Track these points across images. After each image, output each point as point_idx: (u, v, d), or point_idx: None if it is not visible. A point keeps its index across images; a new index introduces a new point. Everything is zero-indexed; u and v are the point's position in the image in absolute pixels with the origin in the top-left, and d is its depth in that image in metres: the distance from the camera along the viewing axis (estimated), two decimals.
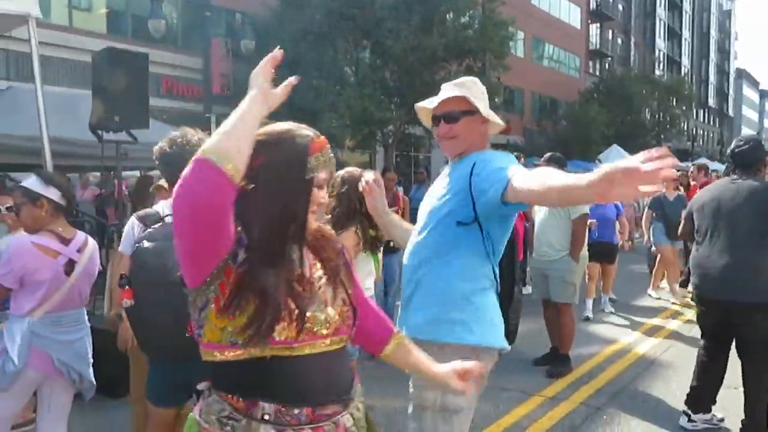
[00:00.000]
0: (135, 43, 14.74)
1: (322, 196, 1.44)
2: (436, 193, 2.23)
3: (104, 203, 10.67)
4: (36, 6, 4.52)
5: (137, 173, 9.61)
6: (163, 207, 2.66)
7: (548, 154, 5.55)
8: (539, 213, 5.28)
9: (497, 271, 2.19)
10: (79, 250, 2.87)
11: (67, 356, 2.83)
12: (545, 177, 1.74)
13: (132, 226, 2.69)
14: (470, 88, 2.22)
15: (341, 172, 3.37)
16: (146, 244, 2.43)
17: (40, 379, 2.82)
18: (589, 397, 4.58)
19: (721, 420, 3.95)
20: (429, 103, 2.23)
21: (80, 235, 2.93)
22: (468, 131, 2.18)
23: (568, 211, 5.02)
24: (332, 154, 1.52)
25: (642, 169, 1.25)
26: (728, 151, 3.95)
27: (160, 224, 2.52)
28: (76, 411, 3.12)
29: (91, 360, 3.02)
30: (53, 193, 2.78)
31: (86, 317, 3.04)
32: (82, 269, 2.87)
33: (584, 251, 5.29)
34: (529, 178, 1.81)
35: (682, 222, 4.07)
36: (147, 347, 2.64)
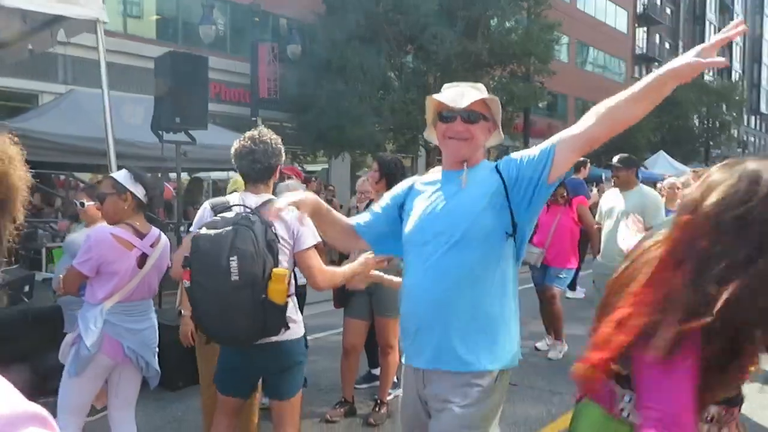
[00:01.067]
0: (185, 48, 15.18)
1: None
2: (448, 207, 1.99)
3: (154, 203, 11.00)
4: (103, 11, 4.72)
5: (186, 175, 9.90)
6: (236, 198, 2.75)
7: (620, 155, 5.16)
8: (609, 219, 5.07)
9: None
10: (152, 245, 3.00)
11: (135, 344, 2.94)
12: (590, 113, 1.79)
13: (204, 210, 2.77)
14: (486, 94, 2.09)
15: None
16: (204, 230, 2.47)
17: (111, 365, 2.94)
18: None
19: None
20: (452, 100, 2.00)
21: (154, 231, 3.06)
22: (481, 136, 2.06)
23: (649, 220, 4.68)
24: None
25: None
26: None
27: (226, 212, 2.57)
28: (137, 401, 3.20)
29: (157, 350, 3.13)
30: (139, 190, 2.91)
31: (153, 309, 3.16)
32: (154, 263, 3.00)
33: None
34: (573, 127, 1.84)
35: None
36: (201, 329, 2.75)
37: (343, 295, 4.13)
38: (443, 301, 1.92)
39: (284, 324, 2.51)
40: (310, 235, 2.63)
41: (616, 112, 1.71)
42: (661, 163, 22.39)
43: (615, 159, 5.09)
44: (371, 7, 16.41)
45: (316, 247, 2.70)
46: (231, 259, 2.32)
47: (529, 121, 22.08)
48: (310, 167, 21.23)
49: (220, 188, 15.52)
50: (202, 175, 11.24)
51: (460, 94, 2.01)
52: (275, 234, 2.50)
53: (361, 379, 4.75)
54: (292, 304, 2.64)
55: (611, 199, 5.10)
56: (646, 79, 1.66)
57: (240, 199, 2.69)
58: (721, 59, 1.61)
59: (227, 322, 2.42)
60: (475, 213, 1.91)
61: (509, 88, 17.90)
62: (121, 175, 2.94)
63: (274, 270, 2.39)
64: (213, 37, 13.59)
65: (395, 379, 4.30)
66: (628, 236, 2.01)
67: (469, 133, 2.01)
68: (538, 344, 5.97)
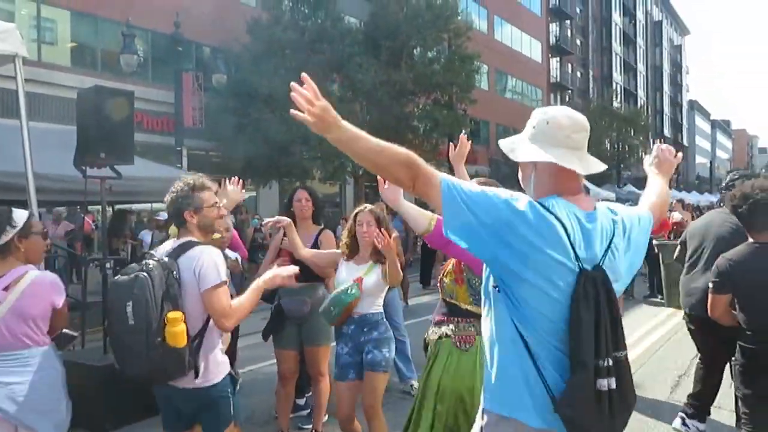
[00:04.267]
0: (104, 77, 14.75)
1: None
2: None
3: (75, 237, 10.55)
4: (23, 46, 4.62)
5: (107, 208, 9.59)
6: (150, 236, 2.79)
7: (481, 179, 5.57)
8: None
9: None
10: (6, 288, 2.71)
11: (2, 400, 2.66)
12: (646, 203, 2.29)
13: None
14: (527, 126, 1.94)
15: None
16: (118, 277, 2.66)
17: None
18: None
19: None
20: (580, 167, 1.82)
21: (14, 272, 2.76)
22: (520, 174, 2.03)
23: None
24: None
25: None
26: (723, 183, 4.56)
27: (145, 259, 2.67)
28: None
29: (50, 406, 2.83)
30: None
31: (41, 358, 2.79)
32: (10, 307, 2.68)
33: None
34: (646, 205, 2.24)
35: (678, 246, 4.59)
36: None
37: (271, 327, 4.16)
38: None
39: (186, 367, 2.54)
40: (213, 274, 2.61)
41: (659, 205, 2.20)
42: None
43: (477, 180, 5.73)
44: (297, 37, 16.60)
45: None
46: (127, 304, 2.49)
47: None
48: None
49: (142, 220, 15.08)
50: (125, 206, 10.91)
51: (587, 165, 1.85)
52: (176, 278, 2.57)
53: None
54: (214, 346, 2.69)
55: None
56: (655, 188, 2.28)
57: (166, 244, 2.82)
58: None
59: (130, 363, 2.58)
60: None
61: (433, 116, 18.51)
62: None
63: (168, 314, 2.48)
64: (135, 66, 13.30)
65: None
66: None
67: None
68: None
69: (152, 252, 2.74)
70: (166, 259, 2.61)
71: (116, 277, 2.62)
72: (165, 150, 15.83)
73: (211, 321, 2.64)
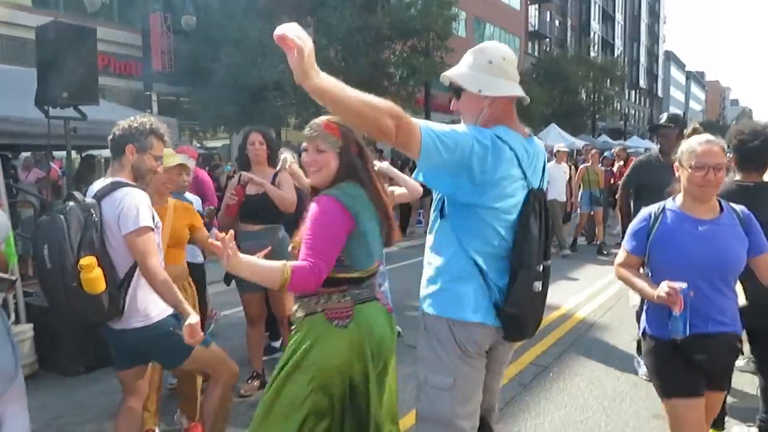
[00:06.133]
0: (67, 17, 14.09)
1: None
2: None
3: (44, 185, 10.29)
4: None
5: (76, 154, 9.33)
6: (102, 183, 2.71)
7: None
8: None
9: None
10: None
11: None
12: None
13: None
14: (471, 60, 2.13)
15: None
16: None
17: None
18: (536, 357, 4.89)
19: None
20: (446, 79, 2.18)
21: None
22: (465, 107, 2.13)
23: None
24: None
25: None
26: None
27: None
28: (32, 393, 2.94)
29: None
30: None
31: None
32: None
33: None
34: None
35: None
36: None
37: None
38: None
39: (106, 312, 2.51)
40: (130, 218, 2.51)
41: None
42: (552, 134, 23.68)
43: None
44: None
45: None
46: (44, 247, 2.44)
47: (430, 96, 22.55)
48: (210, 143, 20.55)
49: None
50: (94, 152, 10.60)
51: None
52: (94, 221, 2.50)
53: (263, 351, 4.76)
54: (143, 291, 2.61)
55: None
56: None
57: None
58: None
59: (56, 306, 2.55)
60: None
61: (410, 63, 18.16)
62: None
63: (81, 260, 2.40)
64: (99, 6, 12.69)
65: None
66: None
67: (455, 106, 2.22)
68: None
69: (76, 194, 2.62)
70: (88, 200, 2.55)
71: (40, 218, 2.57)
72: (133, 95, 15.38)
73: None
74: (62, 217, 2.44)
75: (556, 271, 8.02)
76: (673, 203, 2.50)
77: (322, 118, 2.26)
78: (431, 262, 2.16)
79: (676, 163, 2.48)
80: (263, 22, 15.50)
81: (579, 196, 10.57)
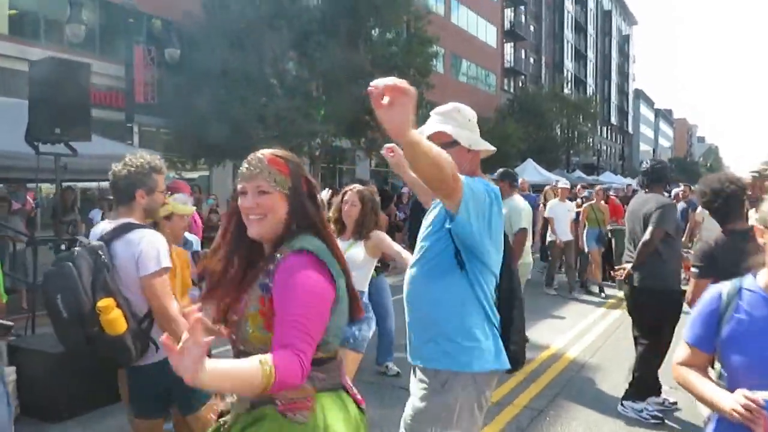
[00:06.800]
0: (48, 47, 13.98)
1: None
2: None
3: (20, 217, 10.07)
4: None
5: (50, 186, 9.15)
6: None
7: (501, 171, 6.22)
8: None
9: None
10: None
11: None
12: None
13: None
14: (454, 118, 2.32)
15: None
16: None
17: None
18: (531, 400, 4.86)
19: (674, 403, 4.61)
20: (444, 135, 2.28)
21: None
22: (454, 159, 2.10)
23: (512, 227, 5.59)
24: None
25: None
26: (643, 168, 4.75)
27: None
28: None
29: None
30: None
31: None
32: None
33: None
34: None
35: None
36: None
37: None
38: None
39: (133, 352, 2.45)
40: (152, 259, 2.46)
41: None
42: (528, 169, 24.05)
43: (496, 174, 6.08)
44: (253, 14, 16.13)
45: None
46: (57, 296, 2.38)
47: None
48: (189, 175, 20.36)
49: (88, 198, 14.47)
50: (70, 183, 10.43)
51: (425, 131, 2.31)
52: (105, 262, 2.45)
53: None
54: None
55: None
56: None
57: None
58: None
59: (78, 354, 2.54)
60: None
61: None
62: None
63: (98, 303, 2.35)
64: (82, 37, 12.62)
65: None
66: None
67: None
68: None
69: (81, 238, 2.60)
70: (95, 243, 2.51)
71: (48, 269, 2.51)
72: (114, 126, 15.19)
73: None
74: (70, 264, 2.39)
75: (541, 309, 8.13)
76: (753, 282, 1.82)
77: (265, 152, 1.74)
78: (446, 317, 2.16)
79: (759, 226, 1.81)
80: (247, 55, 15.60)
81: (584, 235, 9.98)
